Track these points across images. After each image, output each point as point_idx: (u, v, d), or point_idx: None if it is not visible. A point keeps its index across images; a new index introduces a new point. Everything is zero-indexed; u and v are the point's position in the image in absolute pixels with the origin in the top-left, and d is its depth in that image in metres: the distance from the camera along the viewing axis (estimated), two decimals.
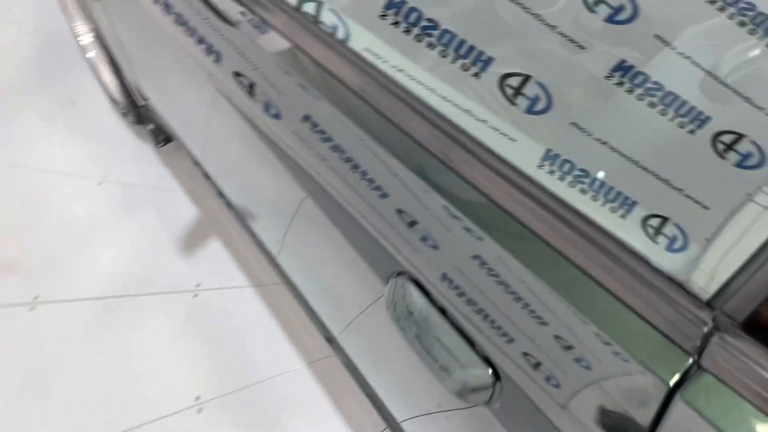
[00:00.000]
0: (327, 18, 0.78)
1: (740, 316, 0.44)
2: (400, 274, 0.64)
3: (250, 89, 0.83)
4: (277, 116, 0.79)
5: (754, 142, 0.58)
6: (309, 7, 0.80)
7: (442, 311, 0.60)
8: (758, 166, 0.57)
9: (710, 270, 0.53)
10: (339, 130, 0.70)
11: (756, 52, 0.66)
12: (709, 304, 0.47)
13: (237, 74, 0.85)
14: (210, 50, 0.92)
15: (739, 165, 0.58)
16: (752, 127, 0.59)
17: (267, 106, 0.80)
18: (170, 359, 1.54)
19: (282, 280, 1.32)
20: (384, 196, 0.64)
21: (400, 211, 0.63)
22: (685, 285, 0.49)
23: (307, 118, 0.74)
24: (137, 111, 1.93)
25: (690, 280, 0.51)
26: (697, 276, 0.52)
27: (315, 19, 0.79)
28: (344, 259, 0.79)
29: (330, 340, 1.12)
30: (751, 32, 0.65)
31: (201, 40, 0.93)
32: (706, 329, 0.45)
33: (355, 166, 0.67)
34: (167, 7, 1.01)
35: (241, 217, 1.35)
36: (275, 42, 0.83)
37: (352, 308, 0.88)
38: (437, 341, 0.61)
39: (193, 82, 1.06)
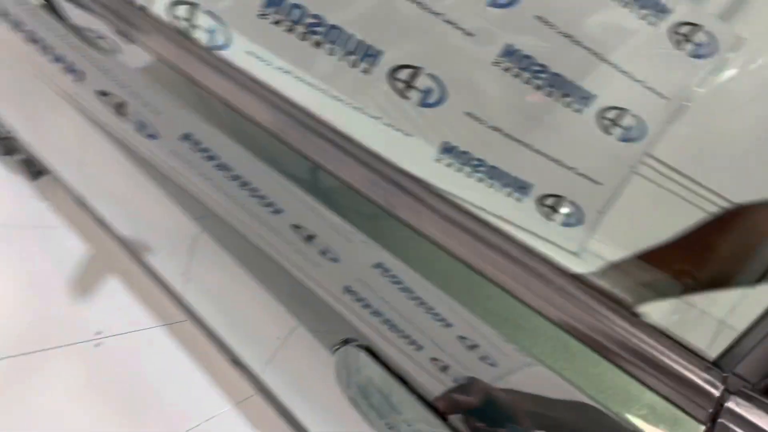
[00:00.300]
0: (203, 21, 0.78)
1: (755, 378, 0.43)
2: (346, 342, 0.63)
3: (119, 109, 0.81)
4: (153, 136, 0.78)
5: (635, 116, 0.64)
6: (182, 11, 0.79)
7: (403, 381, 0.58)
8: (640, 138, 0.64)
9: (605, 239, 0.58)
10: (223, 146, 0.71)
11: (638, 29, 0.72)
12: (717, 365, 0.45)
13: (102, 93, 0.83)
14: (70, 69, 0.89)
15: (624, 139, 0.64)
16: (632, 101, 0.65)
17: (141, 126, 0.79)
18: (79, 422, 1.47)
19: (192, 319, 1.30)
20: (277, 212, 0.65)
21: (296, 227, 0.64)
22: (580, 255, 0.53)
23: (187, 137, 0.74)
24: (3, 142, 1.83)
25: (586, 250, 0.56)
26: (593, 245, 0.57)
27: (189, 23, 0.78)
28: (252, 287, 0.79)
29: (235, 361, 1.11)
30: (625, 5, 0.71)
31: (59, 59, 0.90)
32: (717, 392, 0.43)
33: (244, 184, 0.68)
34: (17, 25, 0.97)
35: (136, 251, 1.31)
36: (144, 58, 0.82)
37: (270, 341, 0.88)
38: (403, 421, 0.58)
39: (56, 106, 1.03)
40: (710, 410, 0.43)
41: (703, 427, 0.43)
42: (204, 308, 1.16)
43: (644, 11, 0.71)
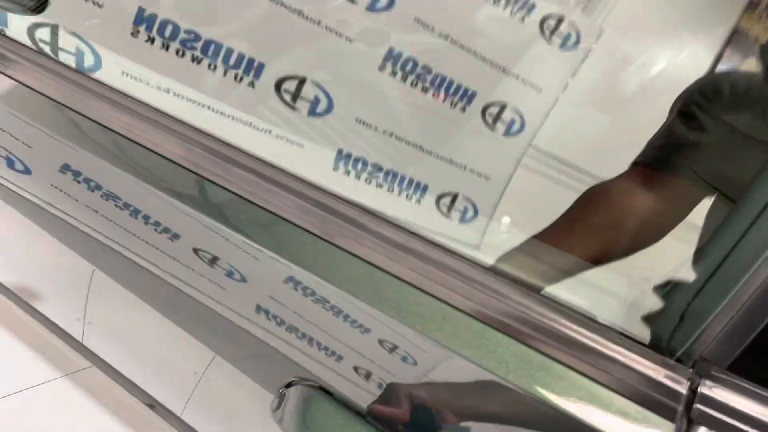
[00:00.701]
0: (67, 43, 0.75)
1: (723, 359, 0.45)
2: (290, 385, 0.62)
3: None
4: (26, 171, 0.74)
5: (515, 109, 0.70)
6: (43, 34, 0.75)
7: (362, 416, 0.58)
8: (521, 130, 0.69)
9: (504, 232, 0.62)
10: (106, 173, 0.68)
11: (510, 26, 0.77)
12: (680, 360, 0.47)
13: None
14: None
15: (507, 133, 0.70)
16: (511, 96, 0.71)
17: (10, 162, 0.75)
18: None
19: (98, 364, 1.23)
20: (175, 237, 0.64)
21: (196, 251, 0.64)
22: (480, 248, 0.57)
23: (66, 168, 0.70)
24: None
25: (483, 243, 0.60)
26: (489, 237, 0.62)
27: (52, 46, 0.75)
28: (160, 322, 0.77)
29: (151, 404, 1.08)
30: (496, 3, 0.76)
31: None
32: (684, 390, 0.45)
33: (136, 212, 0.66)
34: None
35: (23, 300, 1.23)
36: (4, 85, 0.77)
37: (187, 377, 0.86)
38: None
39: None
40: (680, 408, 0.45)
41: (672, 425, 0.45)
42: (109, 351, 1.12)
43: (514, 7, 0.76)
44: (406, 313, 0.52)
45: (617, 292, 0.64)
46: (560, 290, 0.55)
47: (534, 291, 0.52)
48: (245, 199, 0.60)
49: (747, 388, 0.44)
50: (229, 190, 0.61)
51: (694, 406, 0.44)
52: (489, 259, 0.57)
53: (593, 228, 0.66)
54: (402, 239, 0.54)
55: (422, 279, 0.53)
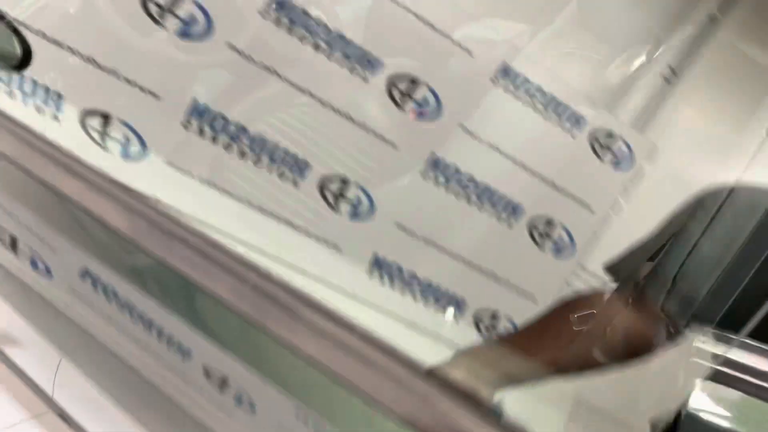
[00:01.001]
0: (116, 131, 0.74)
1: (713, 317, 0.47)
2: None
3: (13, 244, 0.74)
4: (48, 273, 0.71)
5: (564, 228, 0.64)
6: (94, 122, 0.75)
7: None
8: (570, 251, 0.63)
9: None
10: (127, 284, 0.64)
11: (562, 142, 0.73)
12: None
13: None
14: None
15: (555, 253, 0.63)
16: (560, 213, 0.65)
17: (34, 263, 0.72)
18: None
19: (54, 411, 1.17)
20: (187, 355, 0.59)
21: (207, 373, 0.58)
22: None
23: (86, 274, 0.67)
24: None
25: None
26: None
27: (102, 134, 0.74)
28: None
29: None
30: (546, 119, 0.72)
31: None
32: None
33: (150, 325, 0.61)
34: None
35: None
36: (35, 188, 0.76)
37: None
38: None
39: None
40: None
41: None
42: (75, 410, 1.05)
43: (566, 123, 0.72)
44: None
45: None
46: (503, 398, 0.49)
47: (472, 400, 0.45)
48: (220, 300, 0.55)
49: (735, 339, 0.46)
50: (206, 290, 0.56)
51: (690, 359, 0.46)
52: (430, 359, 0.50)
53: (562, 338, 0.63)
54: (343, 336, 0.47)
55: (353, 375, 0.45)
